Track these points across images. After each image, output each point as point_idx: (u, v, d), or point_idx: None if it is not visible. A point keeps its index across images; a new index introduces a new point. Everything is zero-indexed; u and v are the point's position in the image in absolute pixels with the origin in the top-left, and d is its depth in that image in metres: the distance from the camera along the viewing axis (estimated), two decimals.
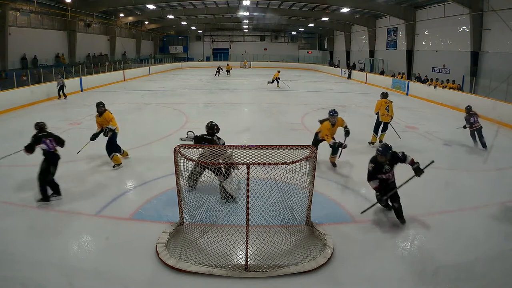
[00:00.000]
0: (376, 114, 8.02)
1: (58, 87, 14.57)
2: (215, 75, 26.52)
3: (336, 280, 3.45)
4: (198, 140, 5.17)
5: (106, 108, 6.46)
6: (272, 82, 19.74)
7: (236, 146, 4.14)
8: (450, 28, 18.01)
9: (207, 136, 5.17)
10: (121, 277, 3.43)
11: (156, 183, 5.59)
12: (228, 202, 4.77)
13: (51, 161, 4.95)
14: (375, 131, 8.13)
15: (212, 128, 5.18)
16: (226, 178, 4.51)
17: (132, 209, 4.79)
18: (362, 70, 27.29)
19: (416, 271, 3.60)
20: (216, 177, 4.49)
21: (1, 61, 16.65)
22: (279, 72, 20.19)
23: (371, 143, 8.17)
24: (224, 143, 5.16)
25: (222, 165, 4.25)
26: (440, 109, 14.00)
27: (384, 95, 8.23)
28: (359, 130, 10.00)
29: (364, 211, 4.62)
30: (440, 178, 6.14)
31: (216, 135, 5.23)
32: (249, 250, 3.54)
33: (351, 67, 29.35)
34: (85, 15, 23.58)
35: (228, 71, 28.05)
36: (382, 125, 8.03)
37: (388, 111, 7.88)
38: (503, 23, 14.08)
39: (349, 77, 26.41)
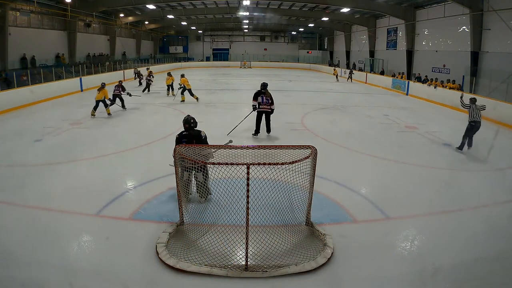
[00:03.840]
0: None
1: (135, 74, 21.27)
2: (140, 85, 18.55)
3: (336, 280, 3.45)
4: (178, 141, 4.77)
5: None
6: (337, 77, 25.35)
7: (236, 146, 4.13)
8: (450, 28, 18.01)
9: (185, 132, 4.83)
10: (121, 277, 3.43)
11: (156, 183, 5.58)
12: (207, 200, 4.70)
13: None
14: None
15: (189, 122, 4.85)
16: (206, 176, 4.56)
17: (132, 209, 4.78)
18: (361, 70, 27.30)
19: (416, 271, 3.60)
20: (197, 174, 4.52)
21: (1, 61, 16.64)
22: (335, 69, 27.00)
23: None
24: (205, 136, 4.87)
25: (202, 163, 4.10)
26: (440, 109, 13.99)
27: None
28: (358, 129, 10.09)
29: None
30: (440, 178, 6.15)
31: (194, 129, 4.89)
32: (249, 250, 3.54)
33: (339, 67, 28.90)
34: (85, 15, 23.58)
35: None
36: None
37: None
38: (503, 23, 14.08)
39: (342, 76, 26.49)
